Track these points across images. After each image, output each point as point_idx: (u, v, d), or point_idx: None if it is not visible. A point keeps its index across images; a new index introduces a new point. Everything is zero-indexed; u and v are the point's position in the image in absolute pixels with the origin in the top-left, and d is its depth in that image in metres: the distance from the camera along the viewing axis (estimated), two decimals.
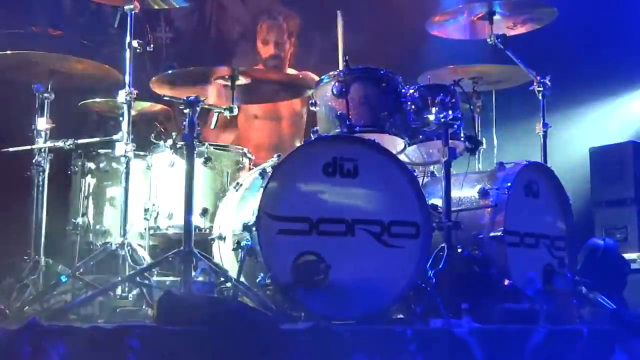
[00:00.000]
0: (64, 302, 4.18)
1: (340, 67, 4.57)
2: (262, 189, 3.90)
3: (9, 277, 4.41)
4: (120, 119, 4.41)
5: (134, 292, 4.24)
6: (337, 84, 4.41)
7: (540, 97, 4.99)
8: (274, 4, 6.28)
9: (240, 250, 4.01)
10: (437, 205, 4.42)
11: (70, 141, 4.54)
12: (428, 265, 4.12)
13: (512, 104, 5.63)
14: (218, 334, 3.11)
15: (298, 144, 5.38)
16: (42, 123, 4.55)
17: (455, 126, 4.44)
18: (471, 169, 4.75)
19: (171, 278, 4.35)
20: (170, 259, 4.05)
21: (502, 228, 4.36)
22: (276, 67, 5.89)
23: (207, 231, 4.56)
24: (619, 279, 5.03)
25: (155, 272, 4.35)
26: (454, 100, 4.51)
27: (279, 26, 5.99)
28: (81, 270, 4.28)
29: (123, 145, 4.34)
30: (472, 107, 4.94)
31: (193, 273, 3.97)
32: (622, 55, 6.83)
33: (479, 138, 4.91)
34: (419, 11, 6.15)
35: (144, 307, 4.16)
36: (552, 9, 5.09)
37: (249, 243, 3.94)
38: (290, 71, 6.04)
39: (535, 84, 4.96)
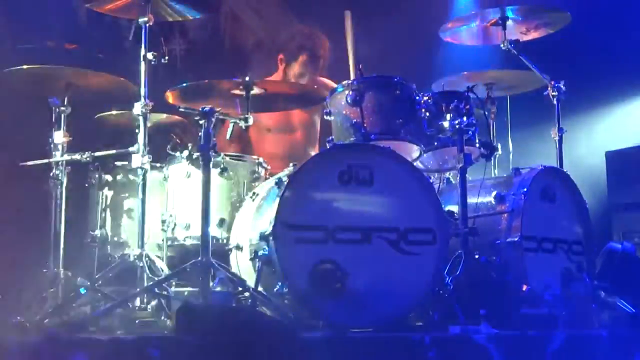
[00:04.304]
0: (83, 314, 4.19)
1: (352, 72, 4.56)
2: (278, 198, 3.91)
3: (28, 290, 4.43)
4: (136, 131, 4.44)
5: (153, 303, 4.25)
6: (351, 92, 4.42)
7: (555, 102, 4.97)
8: (314, 31, 6.19)
9: (257, 259, 4.01)
10: (453, 212, 4.41)
11: (87, 154, 4.56)
12: (445, 272, 4.12)
13: (526, 109, 5.61)
14: (237, 344, 3.11)
15: (312, 153, 5.38)
16: (59, 136, 4.57)
17: (470, 132, 4.45)
18: (487, 174, 4.74)
19: (189, 288, 4.36)
20: (188, 269, 4.06)
21: (520, 233, 4.35)
22: None
23: (225, 241, 4.57)
24: (637, 282, 4.99)
25: (174, 283, 4.36)
26: (468, 106, 4.52)
27: (318, 65, 5.97)
28: (100, 282, 4.29)
29: (139, 157, 4.37)
30: (486, 113, 4.94)
31: (211, 283, 3.98)
32: (637, 57, 6.80)
33: (494, 144, 4.91)
34: (432, 18, 6.15)
35: (162, 318, 4.17)
36: (565, 14, 5.07)
37: (266, 252, 3.95)
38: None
39: (549, 88, 4.94)
